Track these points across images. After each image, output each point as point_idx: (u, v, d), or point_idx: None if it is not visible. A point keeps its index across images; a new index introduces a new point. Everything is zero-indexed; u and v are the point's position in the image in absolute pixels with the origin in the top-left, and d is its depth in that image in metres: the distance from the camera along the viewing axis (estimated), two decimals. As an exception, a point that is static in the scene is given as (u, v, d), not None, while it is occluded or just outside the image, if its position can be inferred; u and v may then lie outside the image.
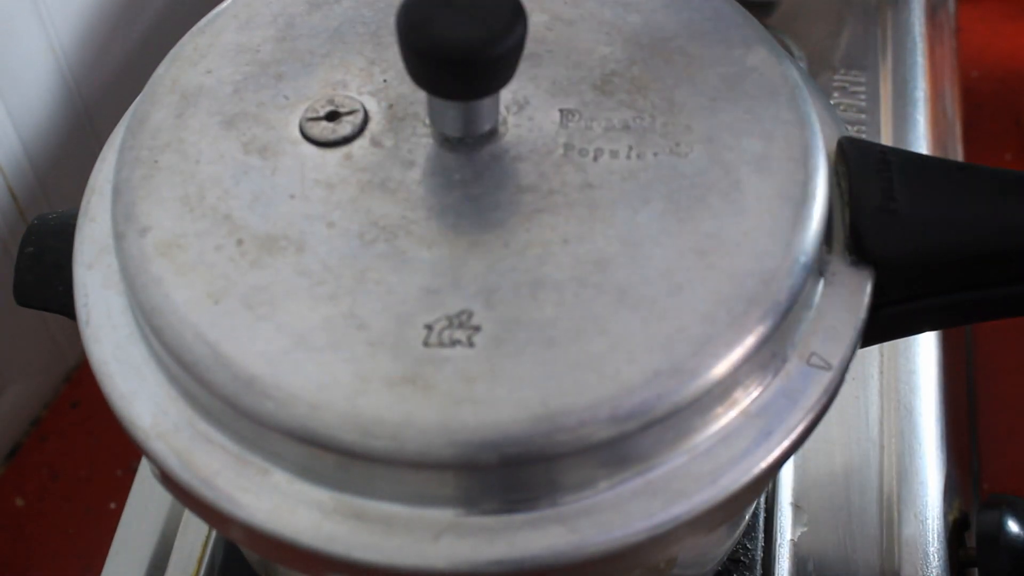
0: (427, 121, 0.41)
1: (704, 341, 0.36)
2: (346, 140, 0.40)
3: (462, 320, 0.36)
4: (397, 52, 0.37)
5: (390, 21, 0.43)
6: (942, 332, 0.64)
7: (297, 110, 0.41)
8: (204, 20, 0.45)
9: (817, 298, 0.39)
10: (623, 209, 0.38)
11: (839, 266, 0.40)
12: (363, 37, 0.43)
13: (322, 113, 0.41)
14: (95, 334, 0.40)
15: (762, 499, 0.56)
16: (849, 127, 0.45)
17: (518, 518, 0.35)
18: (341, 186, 0.39)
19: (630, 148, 0.40)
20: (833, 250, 0.40)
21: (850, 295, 0.40)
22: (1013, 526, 0.56)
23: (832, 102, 0.47)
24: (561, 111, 0.41)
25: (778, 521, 0.57)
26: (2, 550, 0.72)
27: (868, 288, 0.40)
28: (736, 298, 0.36)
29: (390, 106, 0.41)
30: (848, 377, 0.39)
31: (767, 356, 0.37)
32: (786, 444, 0.37)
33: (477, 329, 0.36)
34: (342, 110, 0.41)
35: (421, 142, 0.40)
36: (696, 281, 0.37)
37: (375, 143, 0.40)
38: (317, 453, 0.35)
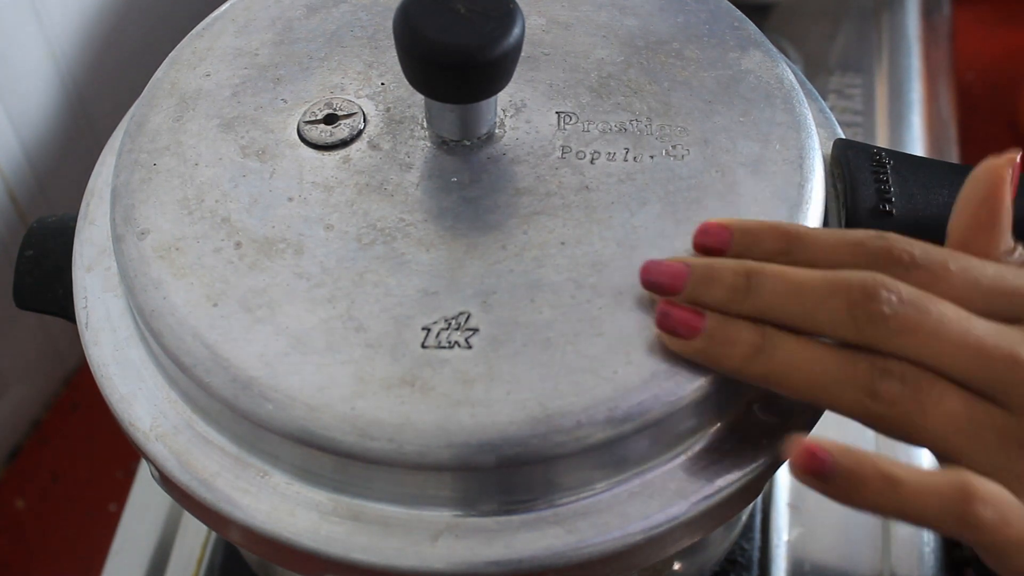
0: (425, 124, 0.41)
1: (700, 343, 0.36)
2: (344, 143, 0.40)
3: (460, 322, 0.36)
4: (395, 55, 0.38)
5: (387, 25, 0.43)
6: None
7: (295, 113, 0.41)
8: (203, 24, 0.45)
9: (813, 300, 0.40)
10: (620, 211, 0.38)
11: (835, 268, 0.40)
12: (361, 41, 0.43)
13: (320, 116, 0.41)
14: (94, 336, 0.40)
15: (759, 500, 0.56)
16: (845, 129, 0.45)
17: (516, 519, 0.35)
18: (339, 189, 0.39)
19: (627, 151, 0.40)
20: (829, 252, 0.41)
21: (846, 297, 0.40)
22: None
23: (828, 104, 0.47)
24: (558, 114, 0.41)
25: (775, 522, 0.57)
26: (3, 551, 0.72)
27: (864, 290, 0.40)
28: (732, 300, 0.36)
29: (388, 109, 0.41)
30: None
31: (763, 357, 0.38)
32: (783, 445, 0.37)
33: (475, 331, 0.36)
34: (340, 113, 0.41)
35: (419, 145, 0.40)
36: (692, 283, 0.37)
37: (373, 146, 0.40)
38: (315, 455, 0.35)
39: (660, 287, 0.35)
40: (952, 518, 0.32)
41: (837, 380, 0.33)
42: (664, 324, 0.35)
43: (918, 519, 0.32)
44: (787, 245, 0.35)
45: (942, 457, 0.34)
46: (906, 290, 0.33)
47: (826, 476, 0.32)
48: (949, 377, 0.33)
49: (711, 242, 0.36)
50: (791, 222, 0.36)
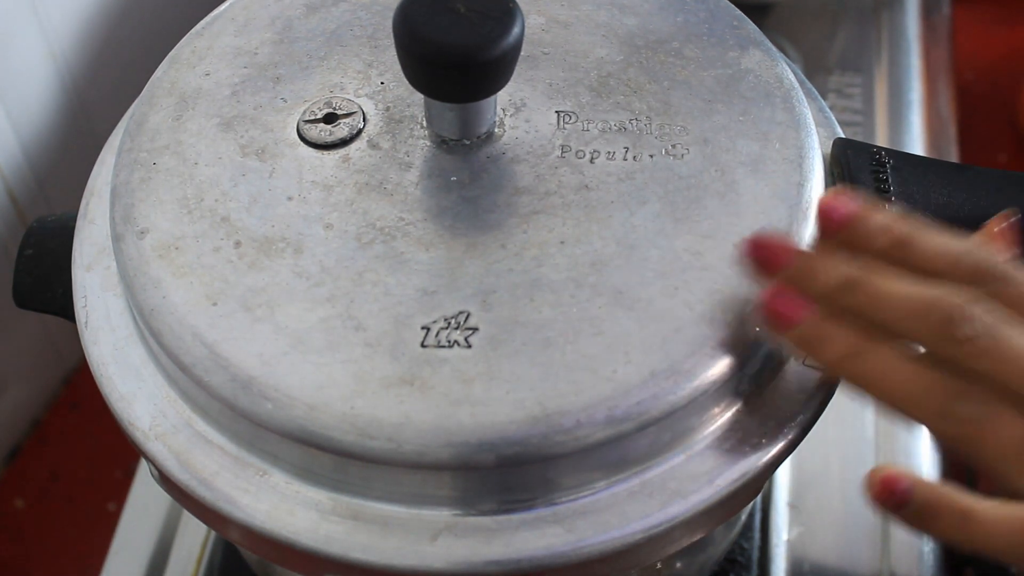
0: (424, 123, 0.41)
1: (700, 342, 0.36)
2: (344, 142, 0.40)
3: (459, 321, 0.36)
4: (394, 55, 0.38)
5: (387, 24, 0.43)
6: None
7: (295, 112, 0.41)
8: (202, 23, 0.45)
9: (813, 299, 0.40)
10: (620, 210, 0.38)
11: (834, 267, 0.40)
12: (360, 40, 0.43)
13: (320, 115, 0.41)
14: (94, 336, 0.40)
15: (758, 499, 0.56)
16: (844, 128, 0.45)
17: (515, 518, 0.35)
18: (339, 188, 0.39)
19: (626, 150, 0.40)
20: (828, 251, 0.41)
21: (845, 296, 0.40)
22: (1009, 526, 0.56)
23: (828, 104, 0.47)
24: (558, 113, 0.41)
25: (774, 521, 0.57)
26: (2, 551, 0.72)
27: (863, 289, 0.40)
28: (732, 299, 0.37)
29: (387, 108, 0.41)
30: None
31: (763, 357, 0.37)
32: (782, 444, 0.37)
33: (474, 330, 0.36)
34: (340, 112, 0.41)
35: (418, 144, 0.40)
36: (692, 282, 0.37)
37: (372, 145, 0.40)
38: (315, 454, 0.35)
39: (763, 264, 0.36)
40: (1022, 551, 0.34)
41: (919, 395, 0.35)
42: (770, 307, 0.36)
43: (988, 550, 0.35)
44: (901, 238, 0.36)
45: (997, 478, 0.35)
46: (984, 318, 0.35)
47: (904, 506, 0.35)
48: (1016, 399, 0.35)
49: (840, 216, 0.37)
50: (909, 219, 0.37)
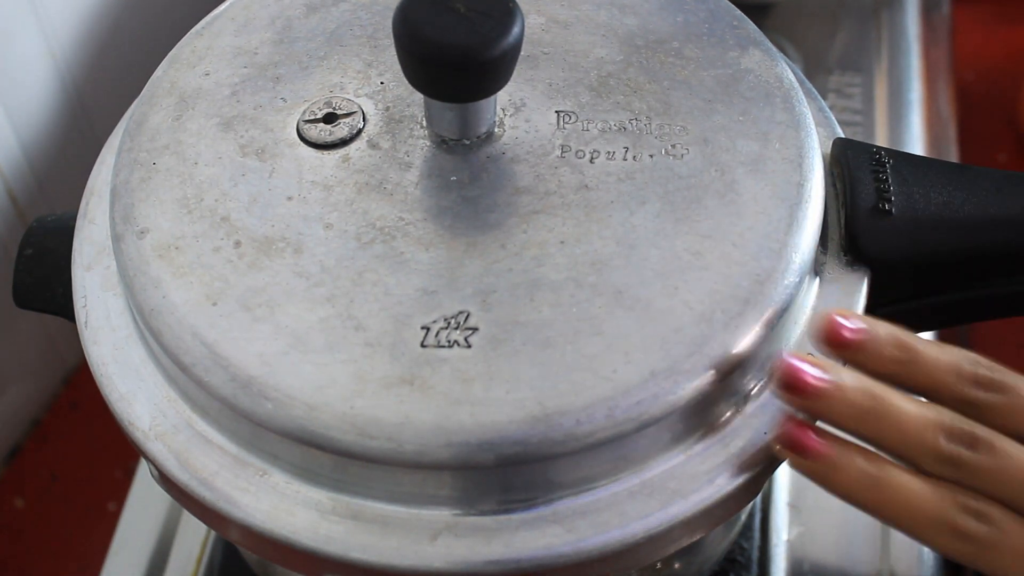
0: (424, 123, 0.41)
1: (700, 342, 0.36)
2: (343, 142, 0.40)
3: (459, 321, 0.36)
4: (394, 54, 0.38)
5: (387, 24, 0.43)
6: (938, 333, 0.65)
7: (295, 112, 0.41)
8: (202, 22, 0.45)
9: (813, 299, 0.40)
10: (619, 210, 0.38)
11: (834, 267, 0.40)
12: (360, 40, 0.43)
13: (319, 115, 0.41)
14: (94, 335, 0.40)
15: (758, 499, 0.56)
16: (844, 128, 0.45)
17: (515, 518, 0.35)
18: (338, 188, 0.39)
19: (626, 149, 0.40)
20: (828, 251, 0.41)
21: (845, 295, 0.40)
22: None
23: (827, 104, 0.47)
24: (558, 113, 0.41)
25: (774, 521, 0.57)
26: (2, 551, 0.72)
27: (863, 288, 0.40)
28: (732, 299, 0.37)
29: (387, 108, 0.41)
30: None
31: (763, 356, 0.37)
32: (782, 444, 0.37)
33: (474, 330, 0.36)
34: (339, 112, 0.41)
35: (418, 144, 0.40)
36: (692, 282, 0.37)
37: (372, 145, 0.40)
38: (315, 454, 0.35)
39: (795, 390, 0.36)
40: None
41: (931, 518, 0.36)
42: (787, 440, 0.36)
43: None
44: (907, 356, 0.37)
45: None
46: (980, 432, 0.36)
47: None
48: (1014, 508, 0.36)
49: (849, 340, 0.37)
50: (907, 332, 0.37)
